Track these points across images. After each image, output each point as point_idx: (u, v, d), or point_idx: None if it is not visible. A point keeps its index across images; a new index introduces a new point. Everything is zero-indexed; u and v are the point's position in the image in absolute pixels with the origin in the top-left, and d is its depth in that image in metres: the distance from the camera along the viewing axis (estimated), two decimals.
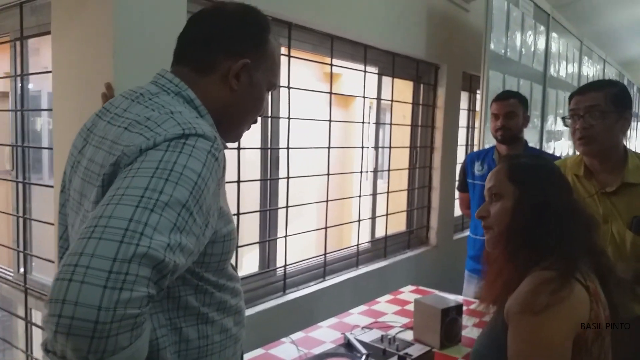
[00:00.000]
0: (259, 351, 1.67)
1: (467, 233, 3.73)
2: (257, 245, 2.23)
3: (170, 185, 0.65)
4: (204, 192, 0.69)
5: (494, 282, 1.15)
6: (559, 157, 2.09)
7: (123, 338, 0.58)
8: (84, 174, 0.80)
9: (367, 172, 2.91)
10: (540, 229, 1.05)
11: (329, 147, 2.43)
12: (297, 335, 1.79)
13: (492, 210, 1.13)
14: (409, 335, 1.80)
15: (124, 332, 0.58)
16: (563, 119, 1.61)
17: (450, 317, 1.72)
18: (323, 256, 2.43)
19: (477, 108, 3.71)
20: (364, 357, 1.40)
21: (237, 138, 0.96)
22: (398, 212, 3.18)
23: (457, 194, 2.66)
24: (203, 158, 0.70)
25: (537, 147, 3.53)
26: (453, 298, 1.94)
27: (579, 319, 0.97)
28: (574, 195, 1.16)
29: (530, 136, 3.44)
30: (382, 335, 1.59)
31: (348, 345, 1.52)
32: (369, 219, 2.88)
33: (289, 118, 2.16)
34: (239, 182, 1.95)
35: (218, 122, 0.87)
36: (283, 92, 2.17)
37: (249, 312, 1.97)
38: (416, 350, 1.49)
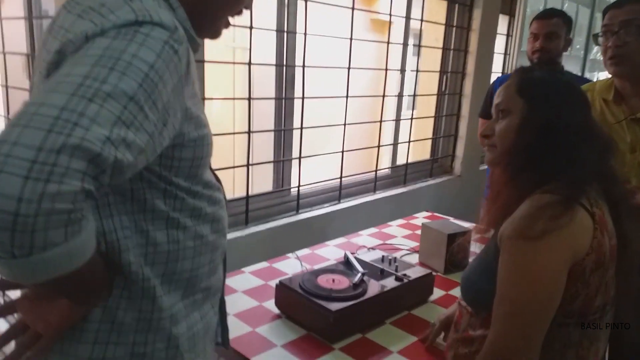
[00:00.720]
0: (262, 264, 1.71)
1: None
2: (272, 166, 2.23)
3: (115, 75, 0.61)
4: (159, 87, 0.66)
5: (493, 204, 1.10)
6: (589, 80, 1.93)
7: (55, 234, 0.55)
8: (38, 66, 0.78)
9: (392, 96, 2.80)
10: (547, 148, 0.97)
11: (348, 68, 2.33)
12: (303, 252, 1.82)
13: (498, 128, 1.06)
14: (414, 259, 1.80)
15: (55, 228, 0.55)
16: (594, 36, 1.46)
17: (457, 242, 1.69)
18: (339, 179, 2.41)
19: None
20: (358, 274, 1.41)
21: (215, 34, 0.91)
22: (423, 140, 3.09)
23: (480, 121, 2.54)
24: (158, 48, 0.66)
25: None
26: (468, 225, 1.90)
27: (578, 248, 0.91)
28: (591, 116, 1.06)
29: (572, 65, 3.20)
30: (383, 256, 1.59)
31: (347, 263, 1.53)
32: (389, 145, 2.81)
33: (305, 34, 2.06)
34: (250, 99, 1.91)
35: (193, 15, 0.82)
36: (300, 5, 2.05)
37: (260, 228, 2.01)
38: (415, 272, 1.49)
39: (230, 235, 1.90)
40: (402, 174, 2.85)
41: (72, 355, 0.78)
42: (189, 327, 0.88)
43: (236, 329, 1.31)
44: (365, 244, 1.92)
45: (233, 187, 2.00)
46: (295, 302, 1.33)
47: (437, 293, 1.55)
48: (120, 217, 0.77)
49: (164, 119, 0.69)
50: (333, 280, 1.39)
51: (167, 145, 0.76)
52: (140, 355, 0.80)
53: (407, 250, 1.89)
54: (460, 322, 1.10)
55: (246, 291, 1.51)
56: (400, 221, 2.24)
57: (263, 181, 2.27)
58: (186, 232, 0.85)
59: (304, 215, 2.21)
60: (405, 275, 1.45)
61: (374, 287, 1.38)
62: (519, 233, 0.92)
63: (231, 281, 1.57)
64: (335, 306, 1.26)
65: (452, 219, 2.06)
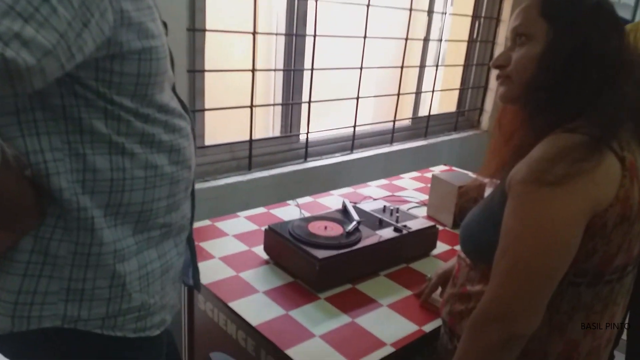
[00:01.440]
0: (259, 209, 1.63)
1: None
2: (280, 112, 2.11)
3: None
4: None
5: (502, 147, 0.96)
6: (630, 21, 1.69)
7: None
8: None
9: (416, 40, 2.60)
10: (575, 82, 0.81)
11: (367, 5, 2.14)
12: (304, 200, 1.73)
13: (515, 57, 0.89)
14: (422, 212, 1.68)
15: None
16: None
17: (469, 196, 1.55)
18: (352, 128, 2.28)
19: None
20: (353, 223, 1.30)
21: None
22: (449, 90, 2.89)
23: None
24: None
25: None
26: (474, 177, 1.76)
27: (601, 197, 0.77)
28: (629, 43, 0.88)
29: (621, 12, 2.88)
30: (384, 206, 1.47)
31: (344, 211, 1.43)
32: (411, 93, 2.64)
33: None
34: (254, 33, 1.78)
35: None
36: None
37: (264, 174, 1.92)
38: (417, 224, 1.37)
39: (231, 180, 1.82)
40: (423, 126, 2.68)
41: None
42: (141, 265, 0.80)
43: (219, 272, 1.24)
44: (372, 195, 1.81)
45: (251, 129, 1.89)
46: (283, 248, 1.25)
47: (441, 247, 1.44)
48: (49, 137, 0.68)
49: (83, 17, 0.59)
50: (325, 228, 1.30)
51: (100, 55, 0.66)
52: (77, 292, 0.73)
53: (415, 203, 1.77)
54: (458, 276, 0.99)
55: (237, 235, 1.44)
56: (414, 174, 2.11)
57: (271, 125, 2.16)
58: (134, 159, 0.76)
59: (312, 164, 2.10)
60: (405, 226, 1.34)
61: (368, 237, 1.28)
62: (534, 177, 0.78)
63: (223, 224, 1.50)
64: (322, 254, 1.17)
65: (470, 174, 1.92)
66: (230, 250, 1.35)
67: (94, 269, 0.74)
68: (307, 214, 1.60)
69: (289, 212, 1.62)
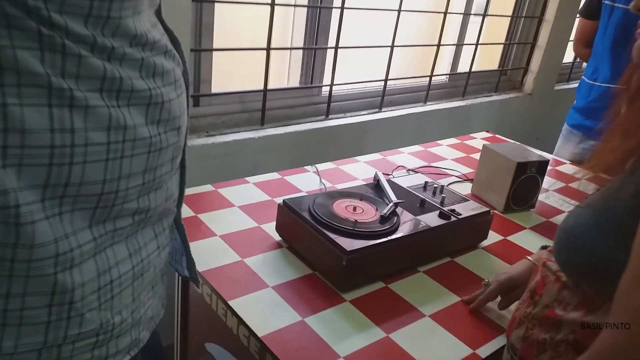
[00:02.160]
0: (272, 175, 1.36)
1: (574, 85, 3.05)
2: (301, 57, 1.80)
3: None
4: None
5: (627, 131, 0.67)
6: None
7: None
8: None
9: None
10: None
11: (398, 10, 1.78)
12: (325, 166, 1.46)
13: None
14: (466, 189, 1.41)
15: None
16: None
17: (528, 174, 1.28)
18: (383, 81, 1.97)
19: None
20: (390, 204, 1.04)
21: None
22: (493, 44, 2.55)
23: (576, 23, 1.98)
24: None
25: None
26: (541, 154, 1.47)
27: None
28: None
29: None
30: (426, 182, 1.20)
31: (377, 187, 1.16)
32: (451, 44, 2.30)
33: None
34: (268, 49, 1.46)
35: None
36: None
37: (279, 131, 1.64)
38: (468, 208, 1.11)
39: (240, 136, 1.55)
40: (462, 84, 2.36)
41: None
42: (102, 271, 0.55)
43: (219, 256, 0.99)
44: (405, 164, 1.53)
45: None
46: (301, 231, 0.99)
47: (492, 238, 1.18)
48: None
49: None
50: (354, 209, 1.03)
51: None
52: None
53: (457, 177, 1.49)
54: (540, 292, 0.74)
55: (244, 207, 1.18)
56: (453, 140, 1.82)
57: (289, 82, 1.86)
58: (90, 116, 0.49)
59: (335, 122, 1.81)
60: (453, 211, 1.08)
61: (408, 224, 1.01)
62: None
63: (228, 192, 1.24)
64: (351, 244, 0.91)
65: (517, 143, 1.62)
66: (235, 226, 1.10)
67: (22, 281, 0.48)
68: (328, 184, 1.34)
69: (307, 180, 1.36)
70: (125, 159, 0.53)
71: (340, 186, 1.33)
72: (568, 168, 1.70)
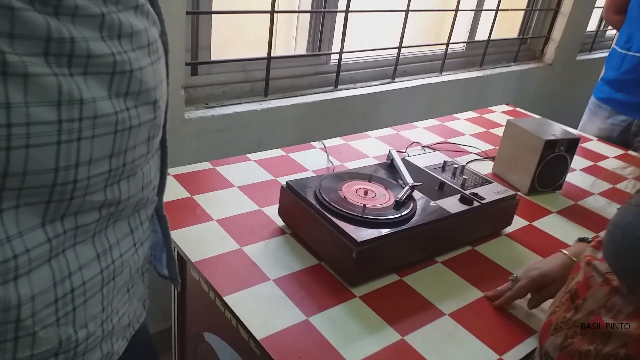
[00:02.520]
0: (276, 151, 1.25)
1: (597, 55, 2.87)
2: (308, 22, 1.66)
3: None
4: None
5: None
6: None
7: None
8: None
9: None
10: None
11: None
12: (333, 142, 1.34)
13: None
14: (486, 168, 1.29)
15: None
16: None
17: (557, 153, 1.16)
18: (396, 49, 1.83)
19: None
20: (406, 188, 0.93)
21: None
22: (513, 10, 2.37)
23: None
24: None
25: None
26: (570, 130, 1.35)
27: None
28: None
29: None
30: (445, 162, 1.09)
31: (391, 166, 1.05)
32: (470, 10, 2.14)
33: None
34: (272, 12, 1.31)
35: None
36: None
37: (283, 103, 1.52)
38: (492, 192, 0.99)
39: (241, 108, 1.43)
40: (479, 53, 2.21)
41: None
42: (60, 278, 0.45)
43: (216, 244, 0.89)
44: (420, 140, 1.41)
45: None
46: (306, 216, 0.89)
47: (516, 223, 1.07)
48: None
49: None
50: (365, 193, 0.92)
51: None
52: None
53: (476, 154, 1.37)
54: (584, 295, 0.63)
55: (245, 187, 1.08)
56: (471, 114, 1.69)
57: (295, 49, 1.72)
58: (32, 87, 0.38)
59: (344, 93, 1.69)
60: (476, 195, 0.97)
61: (426, 210, 0.91)
62: None
63: (227, 170, 1.13)
64: (362, 234, 0.80)
65: (540, 117, 1.50)
66: (234, 209, 1.00)
67: None
68: (336, 163, 1.23)
69: (313, 157, 1.24)
70: (83, 141, 0.42)
71: (349, 164, 1.22)
72: (595, 145, 1.57)
